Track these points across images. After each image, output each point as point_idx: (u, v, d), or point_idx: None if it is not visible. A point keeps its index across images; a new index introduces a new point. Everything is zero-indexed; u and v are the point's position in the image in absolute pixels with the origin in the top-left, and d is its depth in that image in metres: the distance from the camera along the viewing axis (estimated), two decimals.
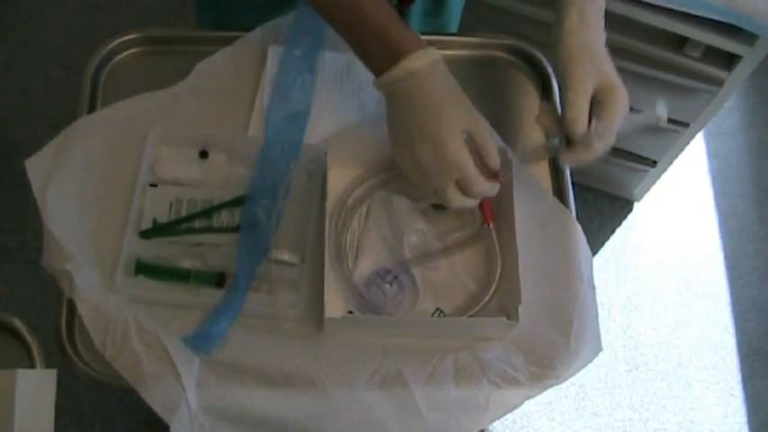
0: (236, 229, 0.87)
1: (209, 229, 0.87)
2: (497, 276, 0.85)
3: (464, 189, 0.77)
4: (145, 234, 0.86)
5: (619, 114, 0.79)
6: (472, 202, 0.80)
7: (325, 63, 0.97)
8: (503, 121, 0.97)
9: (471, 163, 0.76)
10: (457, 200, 0.78)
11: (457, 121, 0.76)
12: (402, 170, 0.81)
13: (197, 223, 0.87)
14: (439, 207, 0.90)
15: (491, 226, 0.86)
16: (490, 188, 0.79)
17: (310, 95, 0.94)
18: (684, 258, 1.95)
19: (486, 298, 0.84)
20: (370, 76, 0.96)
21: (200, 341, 0.80)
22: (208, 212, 0.88)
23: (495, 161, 0.79)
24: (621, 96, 0.80)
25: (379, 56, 0.77)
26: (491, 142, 0.78)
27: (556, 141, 0.82)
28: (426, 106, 0.76)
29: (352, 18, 0.80)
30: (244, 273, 0.83)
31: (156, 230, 0.86)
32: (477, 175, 0.77)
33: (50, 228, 0.83)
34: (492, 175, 0.79)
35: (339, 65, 0.97)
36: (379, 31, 0.78)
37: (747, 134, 2.12)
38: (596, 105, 0.79)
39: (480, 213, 0.87)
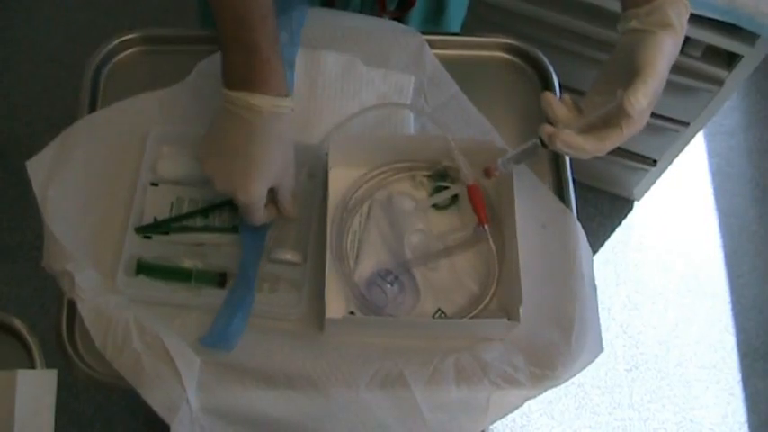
0: (237, 229, 0.86)
1: (210, 229, 0.87)
2: (496, 277, 0.85)
3: (244, 215, 0.81)
4: (140, 231, 0.85)
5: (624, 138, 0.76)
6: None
7: (326, 63, 0.97)
8: (503, 122, 0.97)
9: (262, 205, 0.79)
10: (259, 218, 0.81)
11: (271, 173, 0.77)
12: (204, 165, 0.79)
13: (197, 222, 0.87)
14: (440, 207, 0.90)
15: (486, 228, 0.86)
16: (262, 219, 0.81)
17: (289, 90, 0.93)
18: (684, 257, 1.95)
19: (487, 298, 0.84)
20: (370, 76, 0.97)
21: (219, 339, 0.79)
22: (207, 211, 0.88)
23: (288, 213, 0.83)
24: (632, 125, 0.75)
25: (241, 73, 0.75)
26: (290, 199, 0.82)
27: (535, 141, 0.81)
28: (255, 143, 0.76)
29: (240, 30, 0.75)
30: (252, 270, 0.83)
31: (152, 227, 0.86)
32: (258, 211, 0.80)
33: (51, 228, 0.83)
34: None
35: (339, 65, 0.97)
36: (259, 53, 0.74)
37: (747, 133, 2.12)
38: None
39: (475, 215, 0.87)
